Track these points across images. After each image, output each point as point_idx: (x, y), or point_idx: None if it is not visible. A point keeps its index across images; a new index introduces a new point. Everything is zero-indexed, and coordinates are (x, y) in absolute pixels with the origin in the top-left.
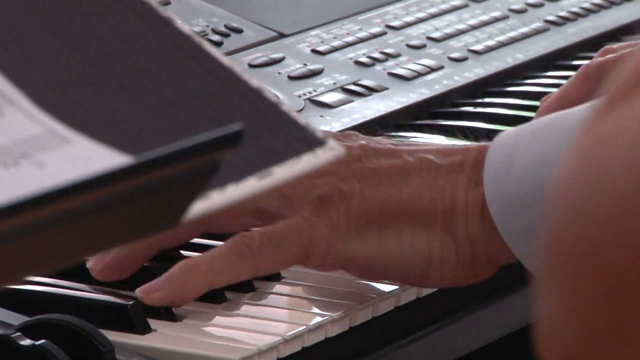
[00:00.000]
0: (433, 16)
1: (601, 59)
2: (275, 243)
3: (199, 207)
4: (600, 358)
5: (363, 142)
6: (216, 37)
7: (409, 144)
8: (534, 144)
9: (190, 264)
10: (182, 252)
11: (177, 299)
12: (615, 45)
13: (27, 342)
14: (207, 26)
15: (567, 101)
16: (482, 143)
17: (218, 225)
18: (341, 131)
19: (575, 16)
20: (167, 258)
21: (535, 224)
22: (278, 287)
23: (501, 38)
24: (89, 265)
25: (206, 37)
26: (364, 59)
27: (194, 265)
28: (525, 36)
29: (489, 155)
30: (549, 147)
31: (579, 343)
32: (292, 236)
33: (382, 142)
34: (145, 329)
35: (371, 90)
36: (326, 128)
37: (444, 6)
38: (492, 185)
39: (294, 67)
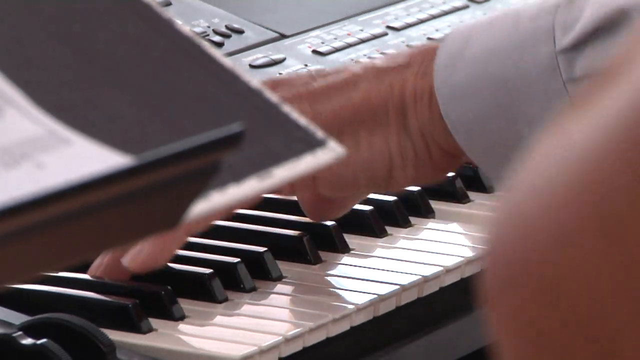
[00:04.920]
0: (434, 17)
1: None
2: None
3: (200, 207)
4: None
5: (311, 71)
6: (217, 38)
7: (358, 62)
8: (486, 35)
9: None
10: (180, 252)
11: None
12: None
13: (28, 341)
14: (208, 27)
15: None
16: (430, 43)
17: None
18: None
19: None
20: None
21: (481, 114)
22: (279, 287)
23: None
24: (124, 262)
25: (207, 38)
26: (364, 60)
27: None
28: None
29: (443, 43)
30: (501, 39)
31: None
32: None
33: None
34: (146, 328)
35: None
36: None
37: (445, 7)
38: (442, 71)
39: (295, 68)
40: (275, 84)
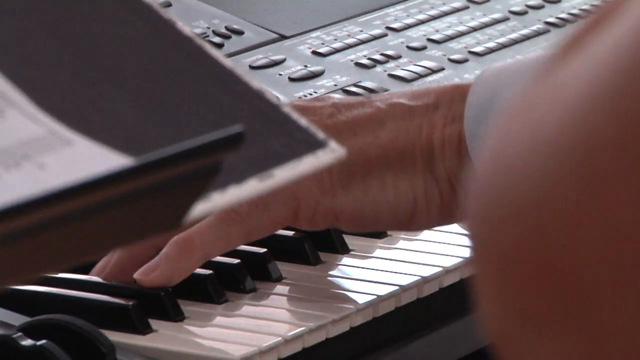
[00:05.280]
0: (433, 18)
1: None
2: (263, 206)
3: (200, 208)
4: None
5: (335, 100)
6: (217, 39)
7: (381, 94)
8: (516, 84)
9: (183, 239)
10: None
11: (175, 275)
12: None
13: (28, 342)
14: (208, 28)
15: None
16: (457, 82)
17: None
18: (315, 97)
19: (576, 18)
20: None
21: None
22: (278, 288)
23: (501, 40)
24: (136, 276)
25: (207, 38)
26: (364, 61)
27: (188, 240)
28: (526, 38)
29: (472, 90)
30: None
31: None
32: (279, 197)
33: (354, 97)
34: (146, 329)
35: (372, 91)
36: None
37: (445, 8)
38: (472, 123)
39: (295, 68)
40: (297, 110)
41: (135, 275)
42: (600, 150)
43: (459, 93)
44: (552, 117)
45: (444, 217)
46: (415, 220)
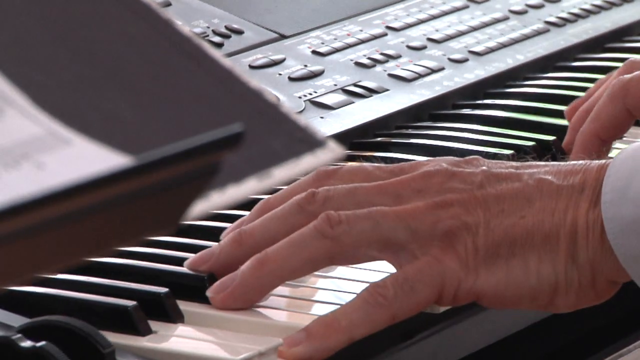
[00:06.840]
0: (433, 17)
1: (628, 76)
2: (408, 288)
3: (200, 207)
4: None
5: (484, 167)
6: (217, 39)
7: (529, 165)
8: None
9: (329, 320)
10: (179, 254)
11: (318, 354)
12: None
13: (27, 343)
14: (208, 27)
15: (599, 123)
16: (603, 160)
17: (343, 258)
18: (464, 158)
19: (575, 17)
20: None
21: None
22: (278, 289)
23: (501, 39)
24: (208, 293)
25: (207, 38)
26: (364, 60)
27: (334, 321)
28: (526, 37)
29: (608, 174)
30: None
31: None
32: (424, 279)
33: (503, 165)
34: (145, 331)
35: (371, 91)
36: (327, 129)
37: (445, 7)
38: (609, 205)
39: (295, 68)
40: (448, 174)
41: (281, 347)
42: None
43: (604, 175)
44: None
45: (580, 301)
46: (553, 303)
